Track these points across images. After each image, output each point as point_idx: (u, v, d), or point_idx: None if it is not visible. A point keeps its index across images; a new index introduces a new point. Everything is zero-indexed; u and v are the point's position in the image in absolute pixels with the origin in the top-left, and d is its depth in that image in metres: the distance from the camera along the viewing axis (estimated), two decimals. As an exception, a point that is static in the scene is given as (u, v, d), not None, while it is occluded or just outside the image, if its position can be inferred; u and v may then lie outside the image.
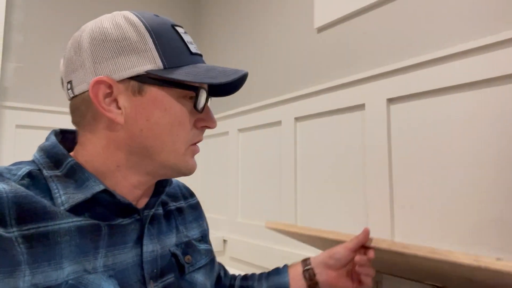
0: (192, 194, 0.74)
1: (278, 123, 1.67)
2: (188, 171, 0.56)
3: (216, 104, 2.20)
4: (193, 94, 0.55)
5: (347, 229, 1.32)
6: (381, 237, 1.16)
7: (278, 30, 1.76)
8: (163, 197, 0.64)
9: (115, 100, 0.52)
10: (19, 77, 1.92)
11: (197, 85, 0.54)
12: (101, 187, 0.50)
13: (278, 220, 1.62)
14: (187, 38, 0.57)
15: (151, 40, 0.52)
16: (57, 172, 0.50)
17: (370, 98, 1.26)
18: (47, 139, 0.55)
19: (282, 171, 1.63)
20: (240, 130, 1.94)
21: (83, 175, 0.50)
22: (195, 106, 0.54)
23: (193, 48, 0.57)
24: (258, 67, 1.88)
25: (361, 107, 1.30)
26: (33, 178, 0.48)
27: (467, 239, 0.99)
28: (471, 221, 0.99)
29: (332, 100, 1.41)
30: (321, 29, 1.52)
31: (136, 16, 0.54)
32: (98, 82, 0.51)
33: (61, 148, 0.52)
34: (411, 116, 1.15)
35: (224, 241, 1.95)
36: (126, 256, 0.52)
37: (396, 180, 1.17)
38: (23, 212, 0.43)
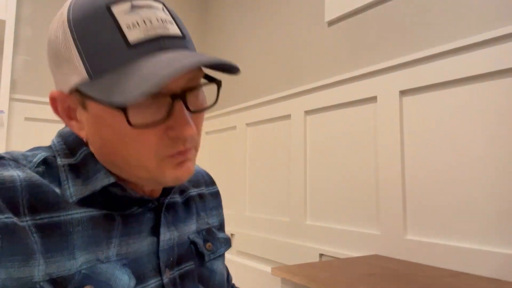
0: (213, 182, 0.73)
1: (288, 116, 1.67)
2: (171, 183, 0.47)
3: (223, 98, 2.21)
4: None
5: (358, 224, 1.32)
6: (393, 232, 1.17)
7: (289, 23, 1.76)
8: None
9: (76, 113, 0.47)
10: (28, 70, 1.92)
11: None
12: (111, 180, 0.47)
13: (287, 216, 1.62)
14: (130, 19, 0.42)
15: (73, 41, 0.42)
16: (71, 161, 0.49)
17: (382, 90, 1.26)
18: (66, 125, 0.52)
19: (291, 165, 1.63)
20: (248, 125, 1.94)
21: (95, 166, 0.48)
22: (129, 123, 0.41)
23: (136, 35, 0.41)
24: (268, 60, 1.88)
25: (373, 99, 1.30)
26: (48, 165, 0.47)
27: (481, 233, 1.00)
28: (484, 214, 0.99)
29: (343, 93, 1.41)
30: (331, 23, 1.53)
31: (67, 7, 0.44)
32: (52, 99, 0.47)
33: (77, 136, 0.50)
34: (424, 108, 1.15)
35: (232, 235, 1.96)
36: (141, 244, 0.50)
37: (408, 174, 1.18)
38: (36, 201, 0.42)
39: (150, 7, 0.43)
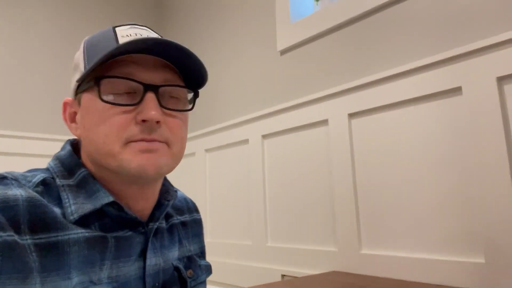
0: (197, 210, 0.74)
1: (246, 141, 1.72)
2: (136, 171, 0.48)
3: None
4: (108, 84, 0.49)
5: (317, 243, 1.37)
6: (349, 248, 1.22)
7: (244, 52, 1.84)
8: (169, 209, 0.63)
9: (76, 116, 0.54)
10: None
11: (99, 73, 0.48)
12: (110, 199, 0.49)
13: (249, 240, 1.64)
14: (126, 32, 0.52)
15: (83, 50, 0.52)
16: (70, 182, 0.50)
17: (332, 114, 1.35)
18: (62, 148, 0.55)
19: (251, 188, 1.66)
20: (207, 151, 1.97)
21: (94, 186, 0.50)
22: (100, 97, 0.48)
23: (126, 40, 0.49)
24: (224, 87, 1.93)
25: (324, 122, 1.38)
26: (47, 186, 0.49)
27: (428, 244, 1.07)
28: (430, 226, 1.07)
29: (297, 117, 1.48)
30: (283, 52, 1.62)
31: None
32: (64, 103, 0.55)
33: (75, 158, 0.53)
34: (370, 129, 1.24)
35: (193, 262, 1.93)
36: (129, 268, 0.52)
37: (360, 191, 1.25)
38: (36, 221, 0.44)
39: (146, 29, 0.54)
